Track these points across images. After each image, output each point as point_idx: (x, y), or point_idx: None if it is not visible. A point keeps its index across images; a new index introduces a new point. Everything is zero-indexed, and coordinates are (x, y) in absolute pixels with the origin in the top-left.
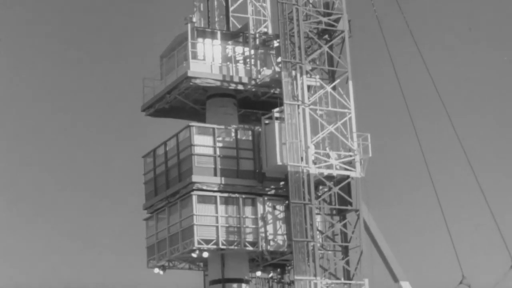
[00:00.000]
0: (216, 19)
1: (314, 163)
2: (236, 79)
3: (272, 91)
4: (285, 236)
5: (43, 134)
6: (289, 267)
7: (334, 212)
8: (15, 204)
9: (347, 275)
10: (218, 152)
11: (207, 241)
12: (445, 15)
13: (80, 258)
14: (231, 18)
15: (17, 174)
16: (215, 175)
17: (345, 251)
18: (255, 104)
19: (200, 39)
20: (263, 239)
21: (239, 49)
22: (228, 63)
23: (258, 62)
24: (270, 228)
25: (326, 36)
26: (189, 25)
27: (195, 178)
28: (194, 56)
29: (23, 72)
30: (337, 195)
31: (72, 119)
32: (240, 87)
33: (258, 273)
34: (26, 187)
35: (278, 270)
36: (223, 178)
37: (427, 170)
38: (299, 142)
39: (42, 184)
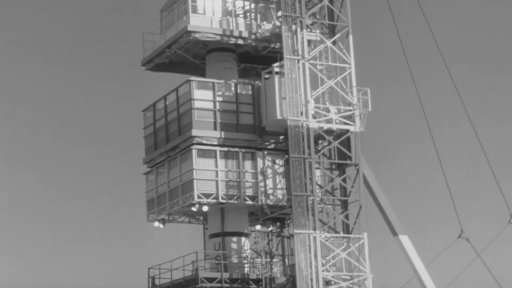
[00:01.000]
0: None
1: (314, 117)
2: (236, 34)
3: (272, 45)
4: (284, 190)
5: (41, 87)
6: (289, 221)
7: (334, 166)
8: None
9: (346, 229)
10: (218, 106)
11: (207, 195)
12: None
13: (80, 213)
14: None
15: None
16: (215, 129)
17: (344, 205)
18: (255, 59)
19: None
20: (263, 193)
21: (239, 3)
22: (228, 17)
23: (258, 16)
24: (269, 182)
25: None
26: None
27: (195, 132)
28: (194, 10)
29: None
30: (336, 149)
31: (72, 73)
32: (240, 41)
33: (258, 227)
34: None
35: (278, 224)
36: (223, 132)
37: (427, 125)
38: (299, 97)
39: (41, 137)
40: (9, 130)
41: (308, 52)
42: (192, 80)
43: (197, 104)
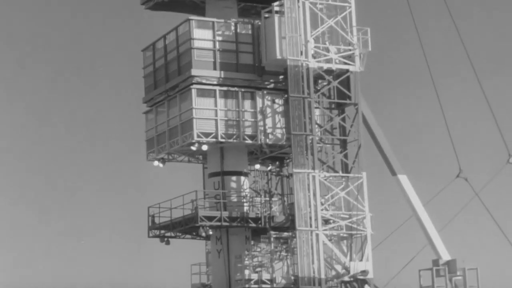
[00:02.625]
0: None
1: (314, 57)
2: None
3: None
4: (283, 130)
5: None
6: (288, 160)
7: (333, 106)
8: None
9: (345, 169)
10: (217, 46)
11: (206, 134)
12: None
13: (81, 156)
14: None
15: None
16: (215, 68)
17: (343, 144)
18: None
19: None
20: (262, 132)
21: None
22: None
23: None
24: (269, 121)
25: None
26: None
27: (194, 71)
28: None
29: None
30: (336, 89)
31: (70, 12)
32: None
33: (257, 166)
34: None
35: (277, 163)
36: (222, 72)
37: (427, 65)
38: (298, 36)
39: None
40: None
41: None
42: (192, 20)
43: (196, 43)
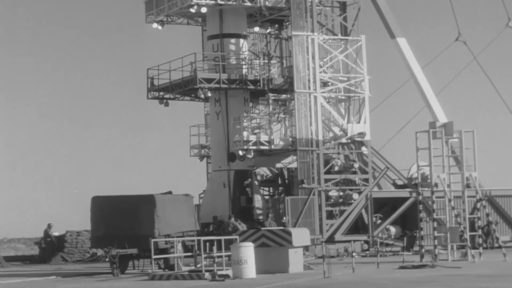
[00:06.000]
0: None
1: None
2: None
3: None
4: None
5: None
6: (287, 23)
7: None
8: None
9: (344, 31)
10: None
11: None
12: None
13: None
14: None
15: None
16: None
17: (343, 7)
18: None
19: None
20: None
21: None
22: None
23: None
24: None
25: None
26: None
27: None
28: None
29: None
30: None
31: None
32: None
33: (256, 29)
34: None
35: (276, 26)
36: None
37: None
38: None
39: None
40: None
41: None
42: None
43: None
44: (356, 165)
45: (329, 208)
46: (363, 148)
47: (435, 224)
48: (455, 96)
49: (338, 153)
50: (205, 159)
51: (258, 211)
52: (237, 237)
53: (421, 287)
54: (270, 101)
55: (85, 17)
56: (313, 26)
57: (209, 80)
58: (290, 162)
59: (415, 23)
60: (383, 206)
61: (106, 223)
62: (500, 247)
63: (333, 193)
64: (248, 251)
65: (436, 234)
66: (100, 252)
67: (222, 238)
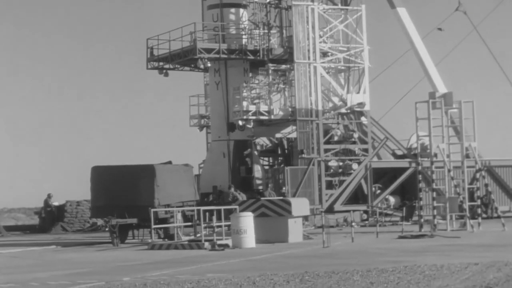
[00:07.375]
0: None
1: None
2: None
3: None
4: None
5: None
6: None
7: None
8: None
9: (344, 1)
10: None
11: None
12: None
13: None
14: None
15: None
16: None
17: None
18: None
19: None
20: None
21: None
22: None
23: None
24: None
25: None
26: None
27: None
28: None
29: None
30: None
31: None
32: None
33: None
34: None
35: None
36: None
37: None
38: None
39: None
40: None
41: None
42: None
43: None
44: (356, 135)
45: (329, 178)
46: (363, 118)
47: (434, 194)
48: (454, 66)
49: (338, 123)
50: (204, 129)
51: (258, 181)
52: (237, 207)
53: (420, 257)
54: (270, 71)
55: None
56: None
57: (208, 50)
58: (289, 132)
59: None
60: (383, 176)
61: (106, 193)
62: (499, 217)
63: (333, 163)
64: (247, 221)
65: (435, 204)
66: (100, 222)
67: (222, 208)
